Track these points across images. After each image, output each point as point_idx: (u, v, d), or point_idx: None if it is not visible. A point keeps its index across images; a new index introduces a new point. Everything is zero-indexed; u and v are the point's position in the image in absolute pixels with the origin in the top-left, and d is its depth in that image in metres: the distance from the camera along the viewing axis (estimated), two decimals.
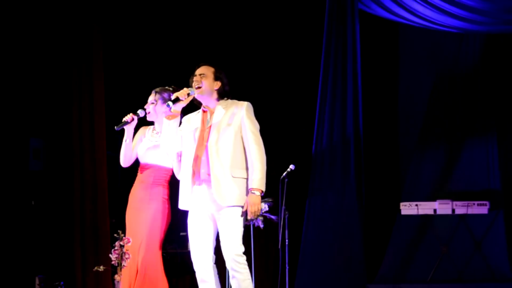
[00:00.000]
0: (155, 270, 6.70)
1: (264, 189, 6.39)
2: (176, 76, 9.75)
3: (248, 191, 6.38)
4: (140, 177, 6.89)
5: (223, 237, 6.36)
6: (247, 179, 6.42)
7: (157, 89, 6.99)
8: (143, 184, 6.85)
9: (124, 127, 6.79)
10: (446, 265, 10.37)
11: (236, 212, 6.37)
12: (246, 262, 6.35)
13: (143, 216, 6.76)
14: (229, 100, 6.58)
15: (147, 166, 6.90)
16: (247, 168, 6.43)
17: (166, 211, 6.85)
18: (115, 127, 6.77)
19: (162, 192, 6.84)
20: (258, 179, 6.34)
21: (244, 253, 6.37)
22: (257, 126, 6.50)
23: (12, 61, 9.25)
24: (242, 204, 6.36)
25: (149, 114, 6.91)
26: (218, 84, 6.54)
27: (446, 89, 10.79)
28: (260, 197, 6.36)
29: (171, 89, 6.98)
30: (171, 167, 6.78)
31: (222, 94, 6.56)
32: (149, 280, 6.67)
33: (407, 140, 10.81)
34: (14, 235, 9.02)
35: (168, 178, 6.88)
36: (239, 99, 6.66)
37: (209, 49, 10.16)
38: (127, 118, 6.76)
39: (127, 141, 6.81)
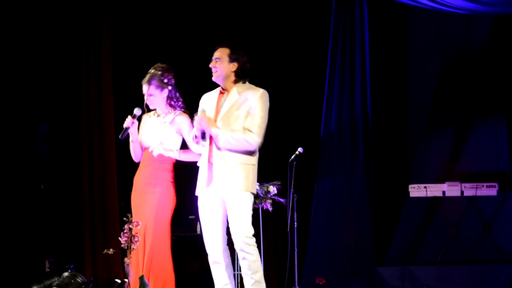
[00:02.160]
0: (162, 254, 6.69)
1: (214, 137, 6.30)
2: (183, 54, 9.79)
3: (253, 177, 6.35)
4: (145, 160, 6.83)
5: (232, 220, 6.36)
6: (253, 164, 6.38)
7: (146, 80, 6.89)
8: (148, 168, 6.80)
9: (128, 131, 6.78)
10: (455, 247, 10.36)
11: (244, 196, 6.35)
12: (255, 244, 6.36)
13: (148, 200, 6.73)
14: (247, 84, 6.48)
15: (146, 149, 6.87)
16: (252, 154, 6.38)
17: (172, 194, 6.81)
18: (119, 136, 6.74)
19: (167, 175, 6.81)
20: (223, 132, 6.29)
21: (254, 235, 6.37)
22: (266, 115, 6.40)
23: (20, 47, 9.25)
24: (249, 190, 6.34)
25: (151, 105, 6.87)
26: (234, 66, 6.44)
27: (455, 71, 10.75)
28: (211, 129, 6.28)
29: (153, 71, 6.91)
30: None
31: (240, 75, 6.46)
32: (156, 264, 6.66)
33: (416, 122, 10.80)
34: (24, 218, 9.05)
35: (173, 161, 6.85)
36: (251, 82, 6.63)
37: (217, 31, 10.13)
38: (127, 123, 6.74)
39: (133, 141, 6.79)
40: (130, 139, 6.82)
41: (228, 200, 6.38)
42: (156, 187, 6.76)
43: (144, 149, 6.89)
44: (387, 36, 10.81)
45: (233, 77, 6.45)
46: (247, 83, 6.50)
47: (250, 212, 6.37)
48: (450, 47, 10.80)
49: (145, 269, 6.61)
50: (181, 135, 6.86)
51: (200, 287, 8.79)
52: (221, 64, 6.45)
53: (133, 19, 10.20)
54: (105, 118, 9.40)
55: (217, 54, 6.48)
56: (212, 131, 6.29)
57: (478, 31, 10.72)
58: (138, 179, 6.86)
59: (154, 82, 6.82)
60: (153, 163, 6.79)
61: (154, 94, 6.82)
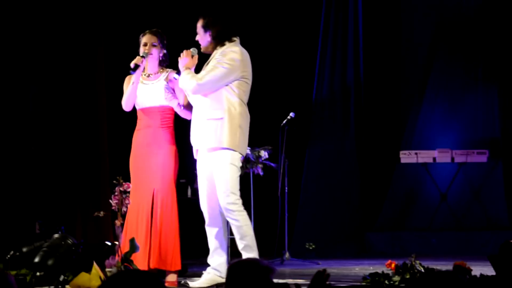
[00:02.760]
0: (171, 220, 6.63)
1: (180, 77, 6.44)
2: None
3: (230, 131, 6.31)
4: (144, 121, 6.70)
5: (216, 185, 6.39)
6: (222, 118, 6.33)
7: (152, 31, 6.83)
8: (149, 128, 6.68)
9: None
10: (444, 213, 10.42)
11: (219, 157, 6.32)
12: (240, 208, 6.32)
13: (153, 162, 6.63)
14: (228, 45, 6.48)
15: (152, 109, 6.71)
16: (224, 109, 6.35)
17: (176, 154, 6.74)
18: (130, 71, 6.64)
19: (170, 135, 6.71)
20: (184, 73, 6.40)
21: (239, 197, 6.34)
22: (220, 67, 6.33)
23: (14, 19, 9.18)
24: (222, 146, 6.31)
25: (151, 55, 6.78)
26: (209, 34, 6.47)
27: (448, 38, 10.73)
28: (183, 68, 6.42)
29: (155, 29, 6.87)
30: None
31: (218, 40, 6.47)
32: (165, 230, 6.62)
33: (408, 88, 10.79)
34: (14, 180, 9.03)
35: (173, 119, 6.78)
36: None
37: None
38: (138, 61, 6.65)
39: (135, 83, 6.67)
40: (132, 81, 6.67)
41: (208, 160, 6.39)
42: (161, 148, 6.66)
43: (142, 110, 6.75)
44: (381, 3, 10.75)
45: (213, 44, 6.47)
46: (229, 43, 6.46)
47: (230, 173, 6.31)
48: (443, 14, 10.77)
49: (154, 235, 6.56)
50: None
51: (191, 251, 8.81)
52: (200, 37, 6.53)
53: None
54: (97, 80, 9.35)
55: (197, 27, 6.53)
56: (182, 69, 6.44)
57: None
58: (138, 141, 6.71)
59: (159, 36, 6.79)
60: (155, 123, 6.69)
61: (156, 48, 6.78)
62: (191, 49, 6.57)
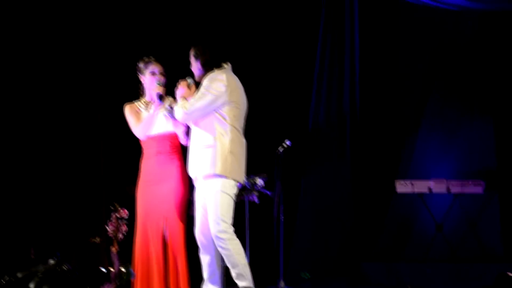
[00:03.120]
0: (181, 248, 6.65)
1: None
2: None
3: (220, 158, 6.33)
4: (154, 149, 6.68)
5: (208, 213, 6.41)
6: (213, 145, 6.36)
7: (158, 63, 6.88)
8: (160, 155, 6.68)
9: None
10: (440, 244, 10.39)
11: (211, 184, 6.36)
12: (232, 237, 6.33)
13: (165, 189, 6.62)
14: (214, 71, 6.52)
15: (161, 136, 6.72)
16: (215, 136, 6.38)
17: (186, 182, 6.75)
18: (159, 100, 6.64)
19: (180, 161, 6.74)
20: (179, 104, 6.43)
21: (231, 226, 6.34)
22: (206, 94, 6.37)
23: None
24: (214, 173, 6.32)
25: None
26: (199, 62, 6.59)
27: (444, 68, 10.76)
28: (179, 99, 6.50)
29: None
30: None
31: (206, 67, 6.56)
32: (176, 257, 6.63)
33: (404, 117, 10.79)
34: (9, 205, 9.01)
35: (180, 145, 6.80)
36: (236, 75, 6.66)
37: (204, 23, 10.11)
38: (162, 90, 6.68)
39: (154, 112, 6.66)
40: (154, 112, 6.65)
41: (203, 187, 6.42)
42: (172, 176, 6.67)
43: (152, 138, 6.74)
44: (378, 30, 10.77)
45: (203, 71, 6.52)
46: (217, 70, 6.50)
47: (221, 201, 6.32)
48: (439, 44, 10.80)
49: (171, 263, 6.57)
50: None
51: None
52: (192, 64, 6.66)
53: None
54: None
55: (190, 57, 6.65)
56: (179, 99, 6.52)
57: (467, 28, 10.72)
58: (149, 168, 6.69)
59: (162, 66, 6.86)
60: (165, 149, 6.70)
61: (164, 77, 6.82)
62: (187, 79, 6.62)
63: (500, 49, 10.58)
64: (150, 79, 6.81)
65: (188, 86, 6.56)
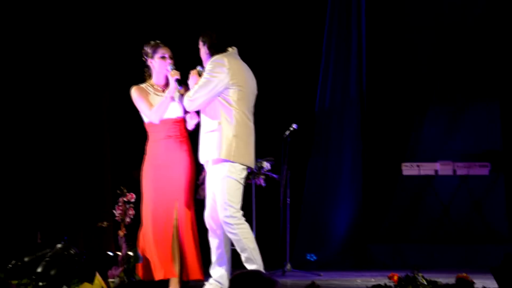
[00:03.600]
0: (190, 229, 6.66)
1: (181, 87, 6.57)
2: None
3: (225, 142, 6.34)
4: (163, 133, 6.62)
5: (215, 198, 6.44)
6: (217, 130, 6.38)
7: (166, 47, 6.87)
8: (170, 139, 6.66)
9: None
10: (446, 225, 10.41)
11: (218, 169, 6.37)
12: (239, 221, 6.33)
13: (176, 173, 6.63)
14: (216, 56, 6.52)
15: (171, 121, 6.70)
16: (219, 120, 6.39)
17: (194, 165, 6.76)
18: (179, 85, 6.63)
19: (188, 145, 6.75)
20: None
21: (239, 210, 6.35)
22: (207, 80, 6.37)
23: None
24: (220, 157, 6.34)
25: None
26: (206, 47, 6.57)
27: (450, 50, 10.74)
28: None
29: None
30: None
31: (212, 52, 6.54)
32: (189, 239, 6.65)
33: (411, 100, 10.78)
34: (16, 189, 9.03)
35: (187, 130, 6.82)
36: (243, 59, 6.66)
37: (213, 11, 10.11)
38: (178, 74, 6.68)
39: (170, 97, 6.66)
40: (170, 95, 6.65)
41: (211, 172, 6.44)
42: (182, 160, 6.67)
43: (161, 121, 6.71)
44: (384, 13, 10.76)
45: (210, 56, 6.52)
46: (218, 55, 6.49)
47: (227, 186, 6.34)
48: (447, 27, 10.78)
49: (188, 246, 6.60)
50: None
51: None
52: (201, 51, 6.64)
53: None
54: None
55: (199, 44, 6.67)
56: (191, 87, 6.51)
57: (475, 10, 10.69)
58: (159, 151, 6.63)
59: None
60: (174, 133, 6.70)
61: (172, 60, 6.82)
62: (197, 67, 6.62)
63: (508, 32, 10.54)
64: (160, 63, 6.78)
65: (199, 74, 6.56)
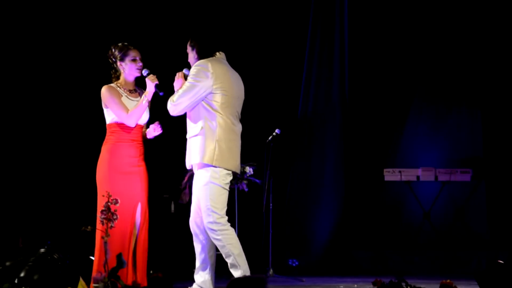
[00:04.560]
0: (146, 232, 6.65)
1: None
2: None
3: (208, 146, 6.33)
4: (128, 136, 6.59)
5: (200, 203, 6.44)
6: (199, 134, 6.36)
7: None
8: (134, 143, 6.65)
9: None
10: (427, 231, 10.45)
11: (201, 174, 6.36)
12: (223, 227, 6.30)
13: (139, 176, 6.62)
14: (201, 61, 6.52)
15: (140, 126, 6.69)
16: (201, 125, 6.38)
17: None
18: (159, 92, 6.61)
19: (143, 150, 6.75)
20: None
21: (223, 216, 6.33)
22: (190, 84, 6.35)
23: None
24: (202, 162, 6.32)
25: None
26: (194, 52, 6.56)
27: (433, 56, 10.78)
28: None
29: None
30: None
31: (201, 56, 6.53)
32: (145, 245, 6.63)
33: (393, 106, 10.81)
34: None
35: None
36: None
37: (198, 15, 10.12)
38: (155, 80, 6.64)
39: (146, 101, 6.62)
40: (147, 99, 6.61)
41: (195, 178, 6.44)
42: (141, 163, 6.67)
43: (136, 126, 6.68)
44: (366, 20, 10.80)
45: (197, 61, 6.50)
46: (203, 60, 6.48)
47: (210, 192, 6.32)
48: (428, 31, 10.81)
49: (142, 250, 6.56)
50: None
51: (174, 267, 8.80)
52: (189, 56, 6.62)
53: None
54: None
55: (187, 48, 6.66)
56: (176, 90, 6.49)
57: (458, 13, 10.74)
58: (123, 152, 6.58)
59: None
60: (138, 138, 6.68)
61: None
62: (184, 70, 6.60)
63: (489, 39, 10.60)
64: (131, 66, 6.73)
65: (185, 78, 6.54)
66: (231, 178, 6.48)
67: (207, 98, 6.40)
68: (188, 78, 6.43)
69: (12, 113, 9.33)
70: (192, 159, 6.43)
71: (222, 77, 6.44)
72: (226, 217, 6.38)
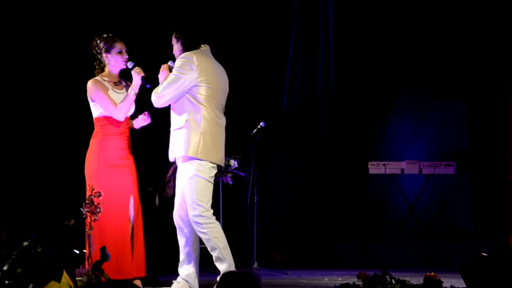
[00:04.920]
0: (141, 225, 6.63)
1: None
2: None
3: (192, 139, 6.30)
4: (117, 129, 6.55)
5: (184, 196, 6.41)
6: (184, 127, 6.34)
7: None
8: (123, 135, 6.62)
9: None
10: (412, 224, 10.48)
11: (186, 168, 6.34)
12: (208, 220, 6.28)
13: (129, 169, 6.60)
14: (185, 53, 6.49)
15: (127, 118, 6.66)
16: (186, 118, 6.35)
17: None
18: (146, 84, 6.56)
19: (131, 143, 6.73)
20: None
21: (208, 209, 6.32)
22: (175, 77, 6.31)
23: None
24: (186, 155, 6.30)
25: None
26: (179, 44, 6.52)
27: (417, 49, 10.80)
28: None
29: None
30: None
31: (186, 48, 6.50)
32: (141, 238, 6.61)
33: (378, 99, 10.83)
34: None
35: None
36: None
37: (182, 7, 10.09)
38: (141, 72, 6.60)
39: (134, 94, 6.59)
40: (135, 91, 6.57)
41: (179, 171, 6.41)
42: (130, 157, 6.65)
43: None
44: (351, 14, 10.80)
45: (183, 53, 6.47)
46: (188, 52, 6.45)
47: (195, 185, 6.30)
48: (411, 24, 10.82)
49: (138, 242, 6.54)
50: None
51: (159, 260, 8.78)
52: (174, 47, 6.58)
53: None
54: None
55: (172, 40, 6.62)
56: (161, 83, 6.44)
57: (440, 5, 10.76)
58: (114, 145, 6.55)
59: None
60: (126, 130, 6.65)
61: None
62: (169, 62, 6.57)
63: (473, 32, 10.63)
64: (116, 58, 6.69)
65: (170, 70, 6.51)
66: (215, 171, 6.47)
67: (192, 91, 6.37)
68: (173, 70, 6.40)
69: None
70: (176, 151, 6.40)
71: (207, 70, 6.42)
72: (212, 210, 6.37)
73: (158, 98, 6.37)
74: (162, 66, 6.58)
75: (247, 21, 10.39)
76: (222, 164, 6.58)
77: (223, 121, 6.53)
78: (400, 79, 10.82)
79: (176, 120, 6.43)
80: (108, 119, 6.60)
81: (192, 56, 6.40)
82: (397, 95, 10.81)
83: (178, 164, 6.46)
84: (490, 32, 10.57)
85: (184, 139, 6.33)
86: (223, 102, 6.57)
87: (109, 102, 6.55)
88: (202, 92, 6.38)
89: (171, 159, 6.52)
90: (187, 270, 6.51)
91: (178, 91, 6.34)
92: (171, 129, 6.47)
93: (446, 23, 10.73)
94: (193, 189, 6.31)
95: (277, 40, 10.46)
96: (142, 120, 6.68)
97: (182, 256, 6.51)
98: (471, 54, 10.64)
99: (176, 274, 6.58)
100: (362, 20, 10.84)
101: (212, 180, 6.43)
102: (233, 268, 6.30)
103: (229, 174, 8.69)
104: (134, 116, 6.75)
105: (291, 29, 10.39)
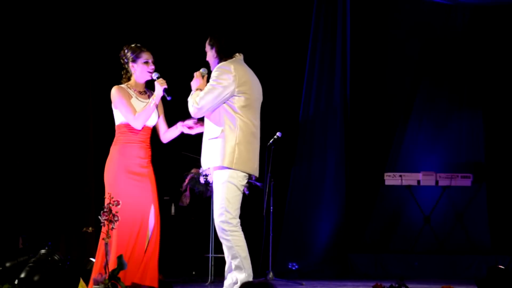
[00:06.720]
0: (158, 235, 6.63)
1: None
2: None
3: (228, 149, 6.30)
4: (137, 137, 6.55)
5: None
6: (220, 137, 6.33)
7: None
8: (143, 144, 6.62)
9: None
10: (428, 236, 10.44)
11: (217, 176, 6.34)
12: (234, 228, 6.29)
13: (147, 180, 6.58)
14: (223, 62, 6.48)
15: (147, 127, 6.67)
16: (222, 128, 6.35)
17: None
18: (168, 96, 6.56)
19: (151, 153, 6.73)
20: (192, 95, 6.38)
21: (235, 217, 6.31)
22: (214, 87, 6.30)
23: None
24: (221, 165, 6.30)
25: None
26: (214, 51, 6.49)
27: (434, 61, 10.79)
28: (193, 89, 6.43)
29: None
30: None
31: (221, 56, 6.48)
32: (156, 250, 6.60)
33: (394, 110, 10.83)
34: None
35: None
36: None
37: (200, 13, 10.13)
38: (165, 83, 6.60)
39: (154, 104, 6.59)
40: (155, 102, 6.58)
41: (213, 179, 6.41)
42: (149, 166, 6.64)
43: (144, 128, 6.64)
44: (369, 24, 10.82)
45: (218, 61, 6.46)
46: (226, 61, 6.45)
47: (226, 192, 6.30)
48: (430, 37, 10.83)
49: (153, 251, 6.53)
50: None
51: (173, 269, 8.79)
52: (208, 54, 6.55)
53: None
54: None
55: (205, 47, 6.58)
56: (194, 91, 6.42)
57: (458, 21, 10.76)
58: (133, 153, 6.55)
59: None
60: (146, 140, 6.65)
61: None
62: (201, 70, 6.56)
63: (491, 43, 10.62)
64: (142, 68, 6.70)
65: (203, 77, 6.51)
66: (247, 180, 6.47)
67: (229, 101, 6.36)
68: (211, 80, 6.38)
69: (16, 113, 9.32)
70: (211, 161, 6.36)
71: (244, 80, 6.42)
72: (238, 220, 6.35)
73: (197, 109, 6.34)
74: (195, 73, 6.56)
75: (265, 33, 10.41)
76: (257, 174, 6.56)
77: (258, 130, 6.54)
78: (416, 91, 10.80)
79: (211, 129, 6.40)
80: (128, 127, 6.61)
81: (229, 66, 6.38)
82: (413, 106, 10.79)
83: (211, 171, 6.45)
84: (508, 43, 10.55)
85: (220, 149, 6.31)
86: (258, 111, 6.57)
87: (129, 109, 6.56)
88: (239, 102, 6.37)
89: (204, 167, 6.50)
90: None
91: (216, 101, 6.33)
92: (206, 137, 6.42)
93: (464, 33, 10.72)
94: (224, 195, 6.31)
95: (294, 50, 10.47)
96: (197, 126, 6.68)
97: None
98: (488, 65, 10.62)
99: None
100: (380, 29, 10.85)
101: (242, 188, 6.43)
102: (251, 278, 6.29)
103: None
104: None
105: (308, 39, 10.39)
